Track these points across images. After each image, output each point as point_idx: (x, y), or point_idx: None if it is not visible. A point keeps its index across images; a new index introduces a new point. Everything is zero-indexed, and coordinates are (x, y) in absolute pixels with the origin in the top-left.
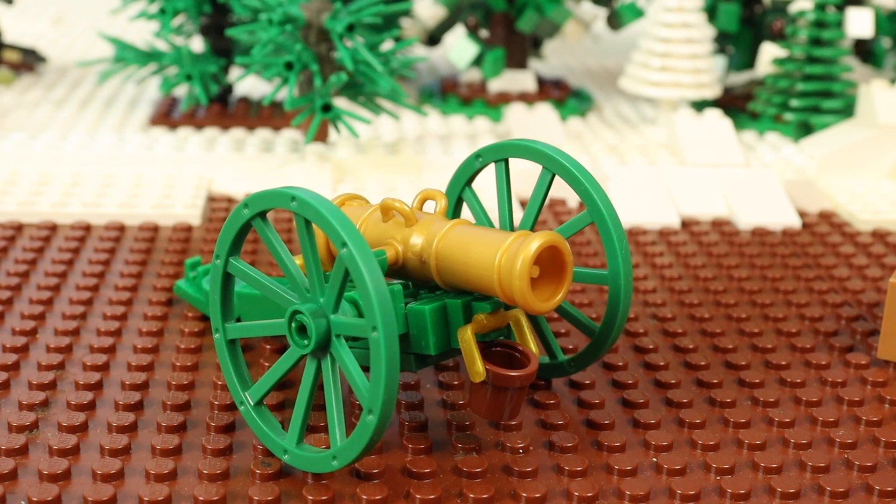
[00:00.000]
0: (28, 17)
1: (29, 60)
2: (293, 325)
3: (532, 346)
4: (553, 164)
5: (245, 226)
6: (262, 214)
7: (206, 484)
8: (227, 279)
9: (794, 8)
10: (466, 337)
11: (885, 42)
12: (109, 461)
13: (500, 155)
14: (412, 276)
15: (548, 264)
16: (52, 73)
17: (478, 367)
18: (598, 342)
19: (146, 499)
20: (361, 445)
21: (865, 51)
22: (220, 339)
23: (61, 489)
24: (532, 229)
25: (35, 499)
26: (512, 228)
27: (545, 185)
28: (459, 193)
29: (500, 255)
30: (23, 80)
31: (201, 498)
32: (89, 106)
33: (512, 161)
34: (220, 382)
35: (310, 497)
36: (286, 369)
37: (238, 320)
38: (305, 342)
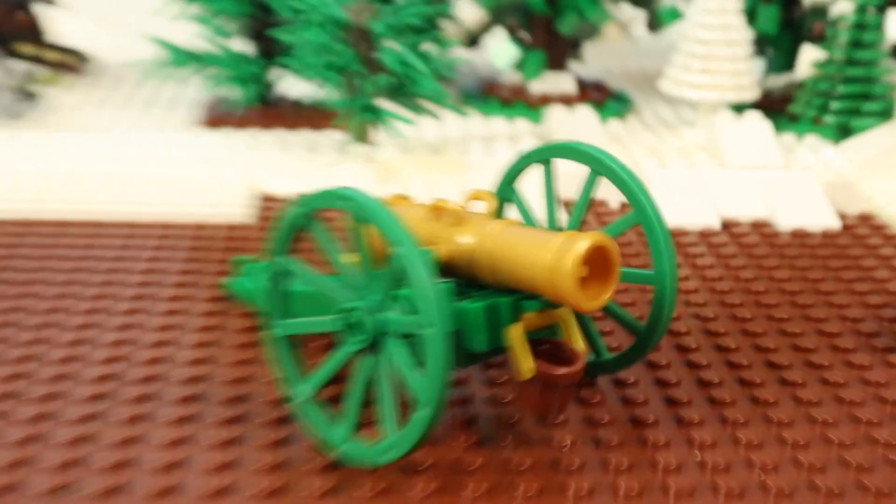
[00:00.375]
0: (70, 17)
1: (71, 60)
2: (347, 321)
3: (579, 344)
4: (601, 167)
5: (298, 225)
6: (314, 214)
7: (260, 476)
8: (282, 277)
9: (834, 10)
10: (515, 335)
11: None
12: (165, 454)
13: (547, 156)
14: (462, 275)
15: (595, 264)
16: (95, 74)
17: (526, 364)
18: (642, 341)
19: (201, 491)
20: (414, 439)
21: None
22: (274, 336)
23: (118, 482)
24: (578, 230)
25: (93, 491)
26: (557, 229)
27: (591, 187)
28: (506, 194)
29: (550, 254)
30: (65, 80)
31: (256, 490)
32: (132, 106)
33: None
34: (273, 377)
35: (363, 489)
36: (339, 364)
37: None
38: (359, 338)
